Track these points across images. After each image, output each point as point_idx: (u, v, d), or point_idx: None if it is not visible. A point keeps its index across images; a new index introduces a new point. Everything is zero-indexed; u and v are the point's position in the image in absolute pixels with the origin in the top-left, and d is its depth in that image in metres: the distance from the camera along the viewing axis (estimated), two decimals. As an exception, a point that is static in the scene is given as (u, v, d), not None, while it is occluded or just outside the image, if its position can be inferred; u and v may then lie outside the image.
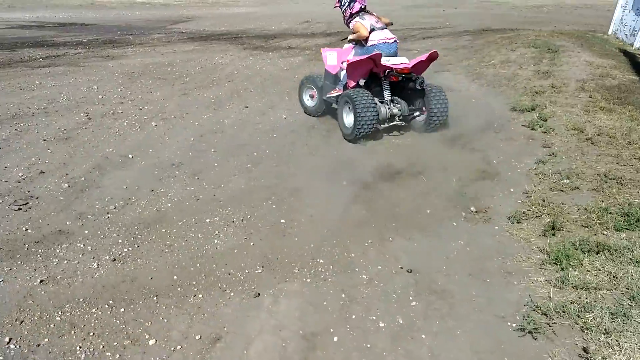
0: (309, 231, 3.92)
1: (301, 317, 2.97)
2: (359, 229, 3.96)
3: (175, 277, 3.31)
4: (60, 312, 2.93)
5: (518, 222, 4.03)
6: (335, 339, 2.81)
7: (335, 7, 6.32)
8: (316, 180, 4.87)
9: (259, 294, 3.16)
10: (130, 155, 5.35)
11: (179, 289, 3.20)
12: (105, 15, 18.68)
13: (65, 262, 3.42)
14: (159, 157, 5.37)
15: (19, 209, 4.08)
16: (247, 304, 3.07)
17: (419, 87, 5.90)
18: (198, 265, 3.46)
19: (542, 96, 7.19)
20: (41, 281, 3.21)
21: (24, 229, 3.80)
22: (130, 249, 3.62)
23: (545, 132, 5.94)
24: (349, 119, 5.88)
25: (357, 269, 3.44)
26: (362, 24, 5.97)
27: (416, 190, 4.69)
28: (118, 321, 2.89)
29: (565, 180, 4.63)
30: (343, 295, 3.17)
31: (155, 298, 3.09)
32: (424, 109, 6.05)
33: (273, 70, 10.05)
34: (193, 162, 5.26)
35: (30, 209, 4.11)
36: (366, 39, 5.97)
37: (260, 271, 3.40)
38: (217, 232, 3.90)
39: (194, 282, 3.27)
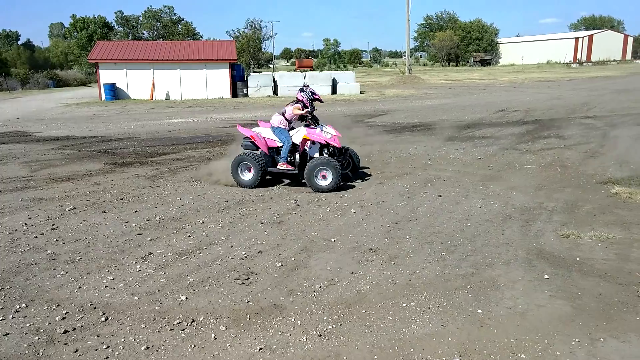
0: (508, 324, 3.82)
1: (502, 413, 2.88)
2: (564, 326, 3.74)
3: (375, 356, 3.49)
4: (276, 379, 3.29)
5: None
6: None
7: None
8: (515, 271, 4.75)
9: (457, 383, 3.16)
10: (332, 239, 5.83)
11: (379, 369, 3.35)
12: (309, 112, 20.91)
13: (280, 333, 3.84)
14: (357, 241, 5.76)
15: (242, 283, 4.72)
16: (445, 392, 3.09)
17: None
18: (396, 347, 3.59)
19: None
20: (260, 349, 3.63)
21: (246, 300, 4.37)
22: (334, 326, 3.92)
23: None
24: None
25: (563, 369, 3.24)
26: None
27: (630, 288, 4.29)
28: (324, 393, 3.13)
29: None
30: (548, 395, 3.00)
31: (357, 375, 3.29)
32: None
33: (467, 159, 10.15)
34: (389, 248, 5.52)
35: (251, 283, 4.72)
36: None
37: (457, 360, 3.40)
38: (413, 317, 4.01)
39: (393, 364, 3.40)
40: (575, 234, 5.63)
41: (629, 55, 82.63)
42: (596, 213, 6.44)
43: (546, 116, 16.79)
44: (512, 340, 3.60)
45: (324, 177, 7.94)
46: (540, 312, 3.97)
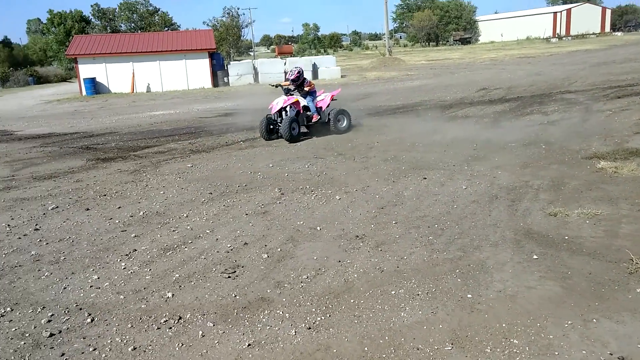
0: (498, 308, 3.78)
1: (496, 400, 2.84)
2: (556, 308, 3.70)
3: (365, 348, 3.42)
4: (265, 375, 3.21)
5: None
6: None
7: (294, 78, 11.33)
8: (503, 253, 4.71)
9: (449, 372, 3.11)
10: (318, 228, 5.74)
11: (368, 360, 3.29)
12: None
13: (268, 328, 3.76)
14: (343, 229, 5.68)
15: (229, 277, 4.62)
16: (438, 381, 3.04)
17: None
18: (387, 337, 3.53)
19: None
20: (249, 345, 3.55)
21: (233, 295, 4.28)
22: (322, 318, 3.85)
23: None
24: (344, 123, 11.82)
25: (557, 353, 3.19)
26: (314, 83, 11.91)
27: (620, 266, 4.26)
28: (315, 388, 3.06)
29: None
30: (542, 380, 2.97)
31: (348, 368, 3.22)
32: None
33: (450, 140, 10.09)
34: (375, 234, 5.45)
35: (237, 276, 4.63)
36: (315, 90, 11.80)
37: (449, 348, 3.35)
38: (402, 304, 3.95)
39: (384, 355, 3.33)
40: (562, 212, 5.61)
41: (607, 28, 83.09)
42: (583, 189, 6.42)
43: (528, 93, 16.80)
44: (504, 325, 3.55)
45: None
46: (530, 294, 3.93)
